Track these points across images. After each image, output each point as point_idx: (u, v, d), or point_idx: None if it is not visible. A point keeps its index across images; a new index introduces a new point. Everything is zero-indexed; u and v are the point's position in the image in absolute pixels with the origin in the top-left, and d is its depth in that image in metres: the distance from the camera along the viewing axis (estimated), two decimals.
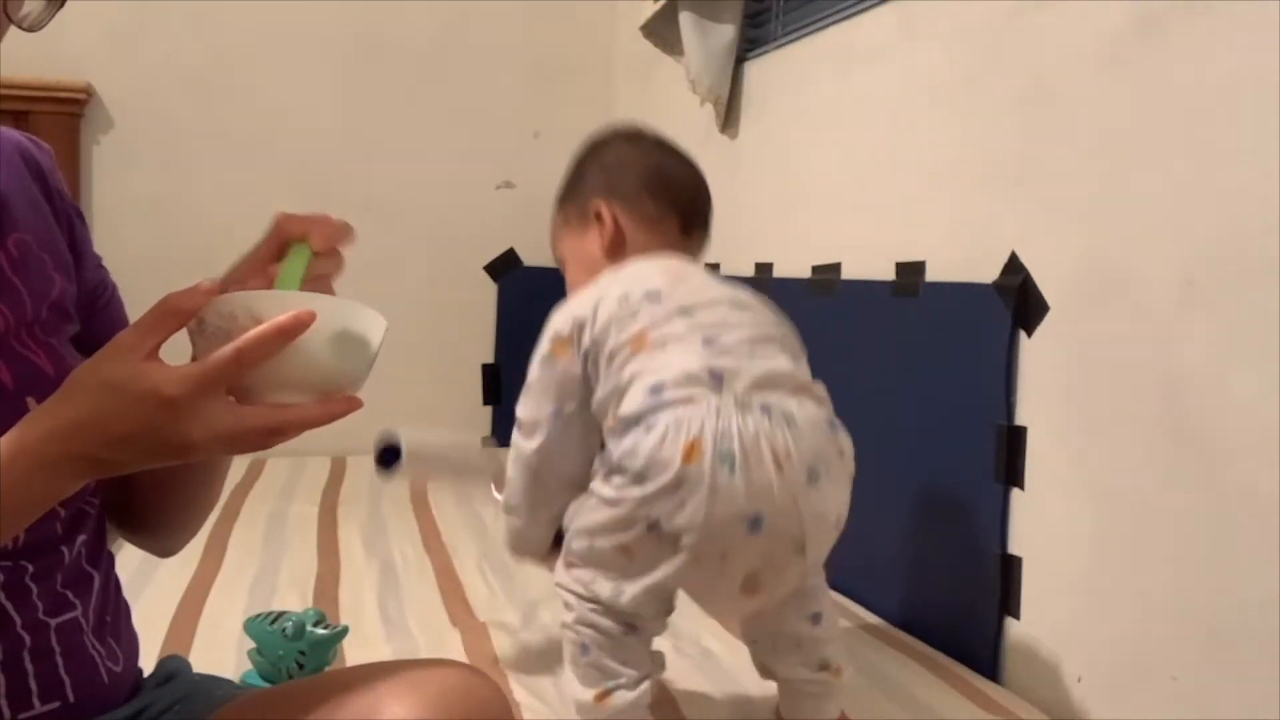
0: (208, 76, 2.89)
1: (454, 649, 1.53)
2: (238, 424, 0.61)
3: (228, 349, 0.60)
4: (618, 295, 1.19)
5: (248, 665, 1.39)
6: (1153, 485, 1.25)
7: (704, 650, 1.53)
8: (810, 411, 1.14)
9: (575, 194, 1.38)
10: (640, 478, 1.07)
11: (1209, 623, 1.17)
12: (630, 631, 1.16)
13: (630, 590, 1.12)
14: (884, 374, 1.76)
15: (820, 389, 1.18)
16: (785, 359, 1.17)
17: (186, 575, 1.79)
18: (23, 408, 0.69)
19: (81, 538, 0.77)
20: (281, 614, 1.39)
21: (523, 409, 1.22)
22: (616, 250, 1.33)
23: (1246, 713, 1.12)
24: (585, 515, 1.15)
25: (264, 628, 1.37)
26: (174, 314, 0.61)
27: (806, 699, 1.24)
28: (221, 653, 1.46)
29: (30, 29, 0.70)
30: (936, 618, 1.61)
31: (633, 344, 1.14)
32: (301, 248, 0.71)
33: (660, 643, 1.43)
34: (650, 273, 1.24)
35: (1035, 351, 1.43)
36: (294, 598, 1.72)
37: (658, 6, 2.38)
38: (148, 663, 0.88)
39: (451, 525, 2.19)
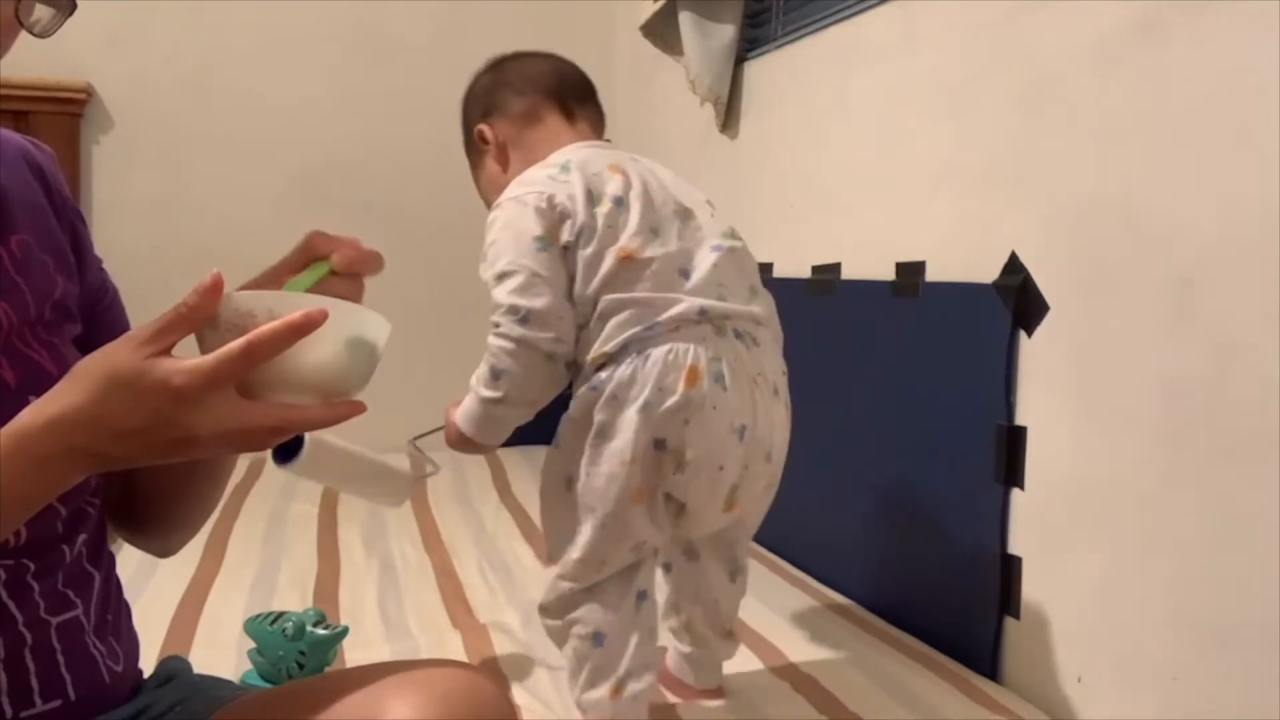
0: (208, 76, 2.89)
1: (454, 649, 1.53)
2: (244, 420, 0.61)
3: (238, 343, 0.60)
4: (584, 193, 1.22)
5: (248, 665, 1.39)
6: (1153, 485, 1.25)
7: None
8: (767, 334, 1.29)
9: (466, 137, 1.47)
10: (647, 406, 1.15)
11: (1209, 623, 1.17)
12: (641, 600, 1.24)
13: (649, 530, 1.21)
14: (884, 374, 1.76)
15: (764, 309, 1.29)
16: (744, 292, 1.27)
17: (186, 575, 1.80)
18: (25, 406, 0.69)
19: (82, 537, 0.77)
20: (282, 614, 1.39)
21: (533, 299, 1.19)
22: (504, 158, 1.41)
23: (1246, 713, 1.12)
24: (587, 487, 1.20)
25: (264, 628, 1.37)
26: (191, 317, 0.61)
27: (703, 668, 1.37)
28: (221, 653, 1.46)
29: (40, 35, 0.71)
30: (936, 617, 1.61)
31: (619, 261, 1.19)
32: (321, 265, 0.72)
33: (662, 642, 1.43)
34: (597, 164, 1.27)
35: (1035, 351, 1.43)
36: (294, 598, 1.72)
37: (658, 6, 2.38)
38: (148, 663, 0.88)
39: (451, 525, 2.19)
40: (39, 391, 0.67)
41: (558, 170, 1.26)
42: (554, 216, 1.21)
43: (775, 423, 1.25)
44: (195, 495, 0.89)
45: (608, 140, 1.43)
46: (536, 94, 1.40)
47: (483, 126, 1.41)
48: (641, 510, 1.19)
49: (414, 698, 0.68)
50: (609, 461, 1.17)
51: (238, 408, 0.61)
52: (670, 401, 1.15)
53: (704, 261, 1.23)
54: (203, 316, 0.62)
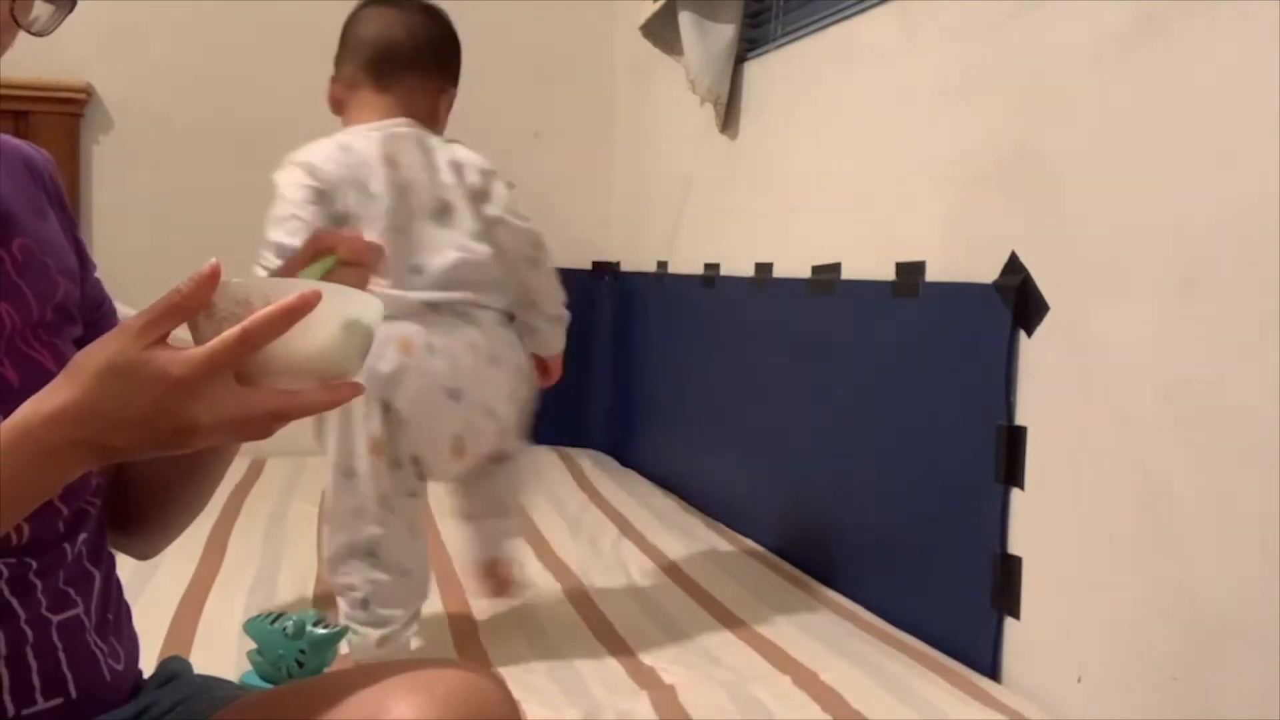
0: (208, 76, 2.89)
1: (451, 649, 1.53)
2: (244, 408, 0.61)
3: (234, 330, 0.59)
4: (349, 177, 1.44)
5: (248, 665, 1.39)
6: (1153, 485, 1.25)
7: (712, 658, 1.53)
8: (489, 315, 1.52)
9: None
10: (371, 372, 1.37)
11: (1209, 623, 1.17)
12: (403, 575, 1.46)
13: (382, 483, 1.44)
14: (884, 374, 1.76)
15: (495, 297, 1.54)
16: (469, 286, 1.49)
17: (186, 575, 1.80)
18: None
19: (83, 536, 0.77)
20: (281, 614, 1.39)
21: (295, 238, 1.37)
22: (340, 113, 1.56)
23: (1246, 713, 1.12)
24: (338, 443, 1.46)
25: (264, 627, 1.37)
26: (185, 305, 0.61)
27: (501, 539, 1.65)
28: (221, 653, 1.46)
29: (39, 34, 0.70)
30: (936, 617, 1.61)
31: None
32: (327, 259, 0.73)
33: (664, 649, 1.43)
34: (372, 151, 1.47)
35: (1035, 351, 1.43)
36: (293, 597, 1.72)
37: (657, 6, 2.38)
38: (148, 663, 0.88)
39: (450, 525, 2.19)
40: None
41: (335, 149, 1.45)
42: (319, 183, 1.42)
43: (492, 386, 1.50)
44: (188, 494, 0.88)
45: (408, 121, 1.53)
46: (356, 63, 1.53)
47: (333, 74, 1.57)
48: (383, 463, 1.44)
49: (416, 698, 0.68)
50: (352, 420, 1.43)
51: (238, 396, 0.61)
52: (387, 369, 1.40)
53: (437, 263, 1.46)
54: (197, 304, 0.61)
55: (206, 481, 0.88)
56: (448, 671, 0.72)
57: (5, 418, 0.63)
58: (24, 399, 0.63)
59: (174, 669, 0.87)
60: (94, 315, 0.83)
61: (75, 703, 0.73)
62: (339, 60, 1.56)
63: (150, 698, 0.80)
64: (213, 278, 0.61)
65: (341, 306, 0.64)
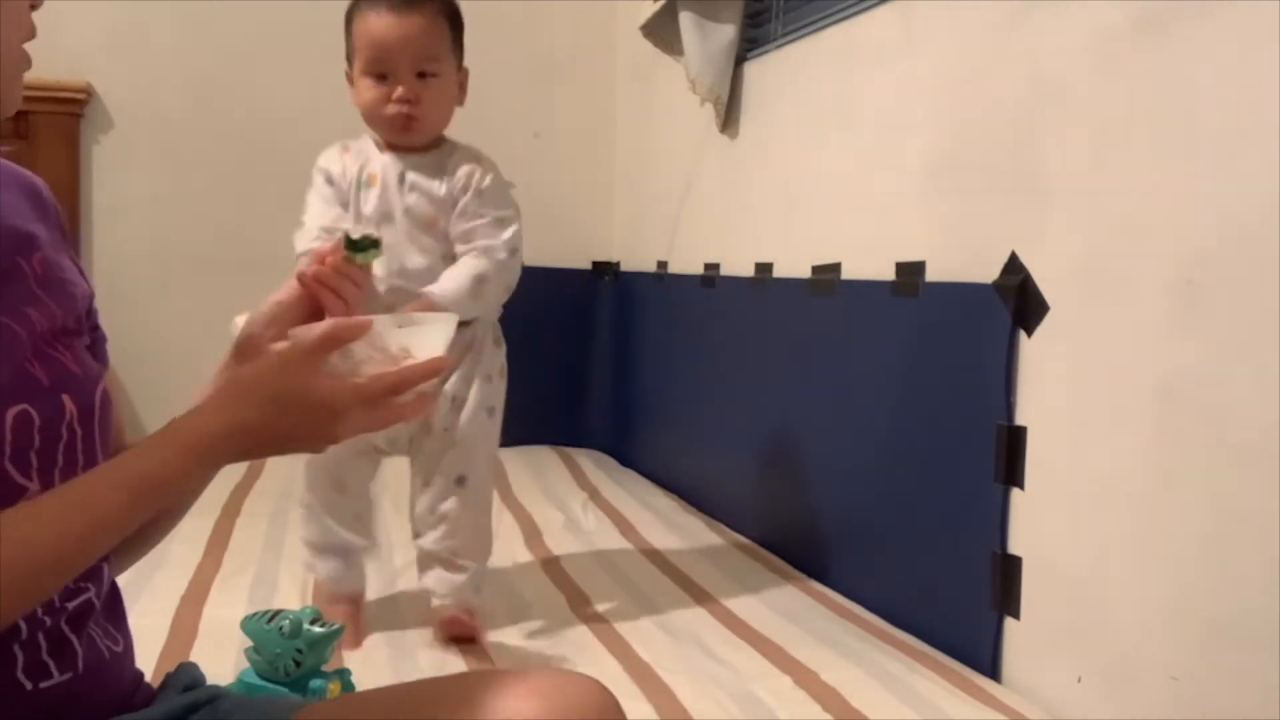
0: (208, 76, 2.89)
1: (452, 649, 1.53)
2: (371, 423, 0.76)
3: (392, 378, 0.76)
4: None
5: (247, 664, 1.39)
6: (1153, 485, 1.25)
7: (712, 658, 1.53)
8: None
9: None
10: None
11: (1209, 623, 1.17)
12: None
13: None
14: (884, 374, 1.76)
15: None
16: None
17: (186, 575, 1.80)
18: (58, 404, 0.73)
19: None
20: (279, 612, 1.38)
21: None
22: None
23: (1246, 713, 1.12)
24: None
25: (261, 626, 1.36)
26: (339, 338, 0.75)
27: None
28: (221, 653, 1.46)
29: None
30: (936, 617, 1.61)
31: None
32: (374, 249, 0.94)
33: (664, 649, 1.43)
34: None
35: (1035, 351, 1.43)
36: (294, 597, 1.72)
37: (658, 6, 2.38)
38: (148, 662, 0.88)
39: None
40: (69, 390, 0.75)
41: None
42: None
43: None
44: (160, 529, 0.90)
45: None
46: None
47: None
48: None
49: (534, 701, 0.73)
50: None
51: (370, 415, 0.76)
52: None
53: None
54: (349, 340, 0.76)
55: (172, 521, 0.91)
56: (564, 678, 0.77)
57: (39, 414, 0.70)
58: (55, 397, 0.72)
59: (195, 676, 0.89)
60: (93, 335, 0.86)
61: (81, 677, 0.75)
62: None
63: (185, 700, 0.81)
64: (366, 326, 0.76)
65: (448, 329, 0.80)
